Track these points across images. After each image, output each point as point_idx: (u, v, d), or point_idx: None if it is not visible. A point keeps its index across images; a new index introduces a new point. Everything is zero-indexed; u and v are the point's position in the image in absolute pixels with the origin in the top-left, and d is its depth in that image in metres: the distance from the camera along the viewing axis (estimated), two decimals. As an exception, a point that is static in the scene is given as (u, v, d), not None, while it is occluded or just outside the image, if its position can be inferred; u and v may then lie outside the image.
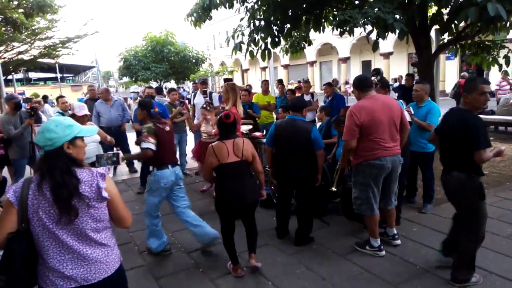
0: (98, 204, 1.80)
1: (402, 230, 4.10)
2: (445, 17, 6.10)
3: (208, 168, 3.36)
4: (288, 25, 7.16)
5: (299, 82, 22.01)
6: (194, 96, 7.26)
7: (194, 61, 21.95)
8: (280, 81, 9.68)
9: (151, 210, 3.83)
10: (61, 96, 6.99)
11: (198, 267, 3.66)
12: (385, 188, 3.61)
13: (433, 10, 6.90)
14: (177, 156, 6.39)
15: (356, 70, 30.14)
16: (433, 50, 7.18)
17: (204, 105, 5.69)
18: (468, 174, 2.92)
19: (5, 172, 5.58)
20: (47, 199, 1.71)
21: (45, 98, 16.66)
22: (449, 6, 5.58)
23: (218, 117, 3.45)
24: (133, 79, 21.83)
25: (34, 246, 1.75)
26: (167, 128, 3.86)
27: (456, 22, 6.00)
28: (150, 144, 3.57)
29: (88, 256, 1.80)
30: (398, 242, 3.81)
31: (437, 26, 6.79)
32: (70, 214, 1.71)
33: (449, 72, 21.99)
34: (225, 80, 11.94)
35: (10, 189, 1.75)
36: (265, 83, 8.24)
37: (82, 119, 4.27)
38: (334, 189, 4.44)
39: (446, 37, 7.37)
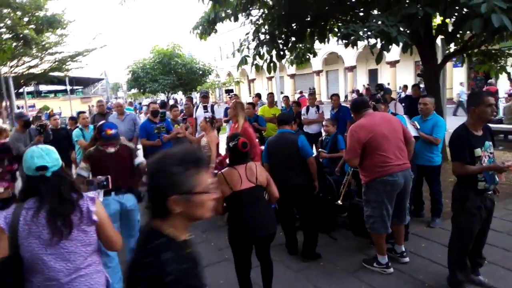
0: (87, 227, 1.85)
1: (410, 246, 4.04)
2: (450, 27, 6.09)
3: (220, 198, 2.90)
4: (293, 38, 7.22)
5: (300, 92, 22.05)
6: (197, 108, 7.31)
7: (201, 72, 22.15)
8: (286, 97, 10.10)
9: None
10: (82, 112, 7.12)
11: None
12: (398, 204, 3.57)
13: (437, 20, 6.90)
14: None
15: (362, 79, 30.09)
16: (439, 59, 7.15)
17: (207, 118, 5.59)
18: (458, 183, 3.12)
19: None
20: (39, 223, 1.75)
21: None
22: (454, 17, 5.57)
23: (232, 143, 3.04)
24: (141, 91, 22.08)
25: (23, 271, 1.79)
26: (111, 150, 3.48)
27: (461, 32, 5.99)
28: (81, 169, 3.41)
29: (74, 281, 1.82)
30: (407, 259, 3.76)
31: (442, 36, 6.79)
32: (64, 231, 1.76)
33: (457, 79, 21.81)
34: (227, 91, 12.03)
35: (1, 215, 1.78)
36: (270, 96, 8.27)
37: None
38: (340, 202, 4.42)
39: (452, 46, 7.35)
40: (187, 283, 1.23)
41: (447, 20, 6.22)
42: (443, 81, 7.84)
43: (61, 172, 1.90)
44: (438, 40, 7.44)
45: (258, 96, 10.12)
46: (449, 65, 16.95)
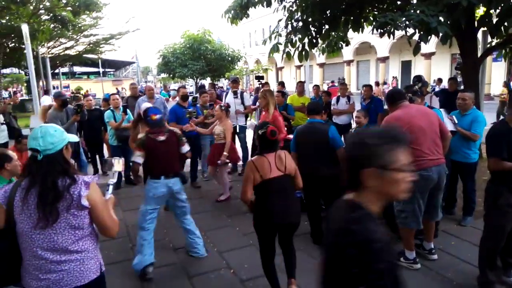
0: (77, 212, 1.82)
1: (440, 243, 3.96)
2: (494, 19, 5.78)
3: (249, 185, 2.97)
4: (327, 26, 7.07)
5: (331, 82, 21.64)
6: (226, 95, 7.32)
7: (229, 59, 22.13)
8: (316, 86, 9.85)
9: (141, 220, 3.71)
10: (113, 94, 7.23)
11: (229, 268, 3.72)
12: (431, 199, 3.50)
13: (480, 11, 6.56)
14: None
15: (395, 71, 29.24)
16: (479, 53, 6.84)
17: (223, 107, 5.64)
18: (492, 180, 3.07)
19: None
20: (30, 204, 1.77)
21: (46, 92, 17.50)
22: (499, 8, 5.29)
23: (261, 131, 3.04)
24: (171, 75, 22.34)
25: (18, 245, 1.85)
26: (161, 138, 3.69)
27: (506, 24, 5.68)
28: (137, 157, 3.66)
29: (62, 263, 1.83)
30: (435, 257, 3.68)
31: (484, 28, 6.46)
32: (50, 219, 1.75)
33: (495, 74, 20.84)
34: (257, 77, 11.88)
35: (3, 188, 1.86)
36: (300, 85, 8.18)
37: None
38: None
39: (494, 39, 7.00)
40: (389, 254, 1.25)
41: (492, 11, 5.91)
42: (482, 76, 7.50)
43: (56, 157, 1.84)
44: (479, 34, 7.10)
45: (282, 84, 9.87)
46: (488, 59, 16.21)
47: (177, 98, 6.83)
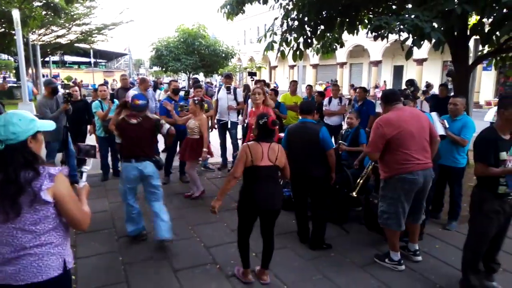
0: (40, 206, 1.73)
1: (424, 246, 4.01)
2: (487, 27, 5.87)
3: (241, 164, 3.15)
4: (322, 27, 7.09)
5: (327, 83, 21.79)
6: (219, 90, 7.29)
7: (223, 55, 22.05)
8: (309, 86, 9.84)
9: (123, 196, 4.06)
10: (101, 84, 7.06)
11: (215, 263, 3.71)
12: (415, 203, 3.53)
13: (473, 19, 6.65)
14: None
15: (387, 75, 29.52)
16: (470, 61, 6.93)
17: (196, 100, 5.48)
18: (477, 186, 3.10)
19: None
20: None
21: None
22: (492, 17, 5.37)
23: (261, 120, 3.19)
24: (163, 69, 22.16)
25: None
26: (133, 121, 3.92)
27: (498, 33, 5.77)
28: (117, 137, 3.92)
29: (20, 257, 1.75)
30: (419, 258, 3.73)
31: (476, 36, 6.55)
32: (10, 213, 1.67)
33: (485, 83, 21.19)
34: (250, 74, 11.79)
35: None
36: (293, 84, 8.19)
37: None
38: (354, 194, 4.40)
39: (485, 47, 7.10)
40: None
41: (484, 20, 6.00)
42: (472, 84, 7.61)
43: (19, 147, 1.73)
44: (471, 42, 7.19)
45: (264, 82, 9.58)
46: (478, 68, 16.45)
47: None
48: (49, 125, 1.95)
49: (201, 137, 5.38)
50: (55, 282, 1.81)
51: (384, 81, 27.94)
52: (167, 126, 4.16)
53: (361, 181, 4.45)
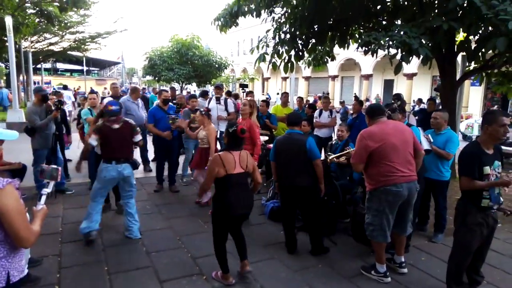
0: None
1: (410, 258, 4.04)
2: (473, 44, 6.02)
3: (213, 177, 3.31)
4: (313, 40, 7.21)
5: (315, 95, 21.98)
6: (210, 100, 7.33)
7: (217, 66, 22.15)
8: (300, 98, 10.05)
9: (92, 194, 4.27)
10: (92, 92, 7.04)
11: (202, 274, 3.68)
12: (401, 215, 3.57)
13: (460, 36, 6.83)
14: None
15: (377, 88, 29.91)
16: (458, 76, 7.09)
17: (202, 111, 5.65)
18: (462, 198, 3.16)
19: (26, 160, 5.73)
20: None
21: (65, 87, 17.15)
22: (478, 34, 5.52)
23: (231, 129, 3.38)
24: (156, 78, 22.17)
25: None
26: (115, 126, 4.20)
27: (483, 50, 5.93)
28: (92, 140, 4.16)
29: None
30: (405, 270, 3.76)
31: (463, 53, 6.71)
32: None
33: (473, 98, 21.59)
34: (241, 85, 11.95)
35: None
36: (285, 96, 8.28)
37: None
38: (331, 156, 4.92)
39: (472, 64, 7.28)
40: None
41: (471, 37, 6.16)
42: (460, 99, 7.77)
43: None
44: (459, 58, 7.36)
45: (251, 93, 9.56)
46: (466, 83, 16.78)
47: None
48: (12, 134, 1.93)
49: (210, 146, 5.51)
50: None
51: (377, 95, 28.28)
52: (139, 137, 4.49)
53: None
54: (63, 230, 4.65)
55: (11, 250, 1.80)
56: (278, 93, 29.62)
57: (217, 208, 3.38)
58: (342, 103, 17.69)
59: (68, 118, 7.70)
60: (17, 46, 16.51)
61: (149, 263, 3.88)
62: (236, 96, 9.23)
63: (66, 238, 4.43)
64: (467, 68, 7.69)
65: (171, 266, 3.83)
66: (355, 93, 28.61)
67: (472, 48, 6.05)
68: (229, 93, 7.57)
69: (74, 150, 8.23)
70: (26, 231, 1.77)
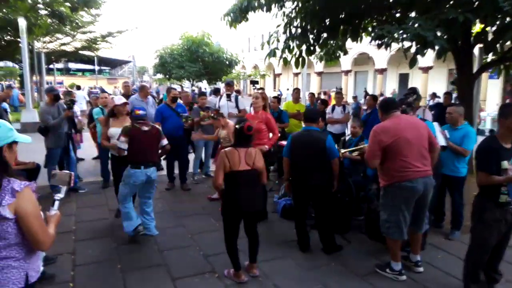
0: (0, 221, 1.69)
1: (426, 256, 3.94)
2: (490, 36, 5.85)
3: (221, 172, 3.30)
4: (325, 34, 7.10)
5: (328, 91, 21.76)
6: (220, 98, 7.28)
7: (227, 63, 22.17)
8: (311, 93, 9.93)
9: (121, 198, 4.22)
10: (103, 91, 7.13)
11: (214, 272, 3.66)
12: (417, 211, 3.49)
13: (477, 28, 6.64)
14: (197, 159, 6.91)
15: (392, 83, 29.45)
16: (475, 69, 6.90)
17: (213, 115, 5.60)
18: (479, 195, 3.08)
19: (39, 160, 5.79)
20: None
21: (78, 88, 17.36)
22: (495, 25, 5.35)
23: (238, 126, 3.38)
24: (167, 76, 22.30)
25: None
26: (145, 128, 4.12)
27: (501, 42, 5.74)
28: (121, 143, 4.09)
29: None
30: (421, 269, 3.66)
31: (480, 45, 6.53)
32: None
33: (491, 92, 21.05)
34: (252, 82, 11.94)
35: None
36: (296, 91, 8.18)
37: (122, 108, 4.71)
38: (343, 151, 4.84)
39: (490, 56, 7.08)
40: None
41: (488, 28, 5.98)
42: (477, 92, 7.56)
43: None
44: (476, 50, 7.16)
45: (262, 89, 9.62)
46: (484, 76, 16.38)
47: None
48: (26, 138, 1.94)
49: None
50: None
51: (394, 90, 27.79)
52: (166, 141, 4.42)
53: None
54: (76, 229, 4.68)
55: (29, 252, 1.82)
56: (288, 89, 29.56)
57: (224, 204, 3.44)
58: (354, 98, 17.45)
59: (80, 118, 7.75)
60: (30, 47, 16.75)
61: (161, 261, 3.88)
62: (238, 92, 9.20)
63: (79, 236, 4.46)
64: (484, 61, 7.48)
65: (183, 263, 3.82)
66: (365, 88, 28.25)
67: (489, 39, 5.88)
68: (229, 84, 7.50)
69: (86, 149, 8.34)
70: (44, 234, 1.79)
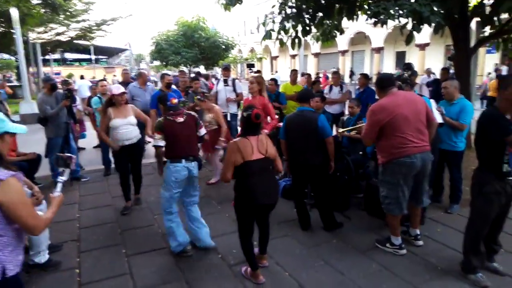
0: None
1: (426, 230, 4.01)
2: (487, 9, 5.78)
3: (231, 166, 3.05)
4: (320, 14, 7.01)
5: (324, 71, 21.58)
6: (218, 82, 7.26)
7: (224, 47, 21.90)
8: (308, 74, 9.74)
9: (164, 205, 3.68)
10: (102, 80, 7.16)
11: (217, 253, 3.73)
12: (416, 186, 3.53)
13: (473, 1, 6.55)
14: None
15: (389, 61, 29.24)
16: (472, 43, 6.84)
17: (199, 97, 5.54)
18: (479, 168, 3.09)
19: (40, 150, 5.82)
20: None
21: (82, 77, 17.25)
22: (492, -3, 5.30)
23: (245, 113, 3.11)
24: (164, 63, 22.09)
25: None
26: (180, 120, 3.65)
27: (499, 14, 5.68)
28: (158, 141, 3.63)
29: None
30: (420, 243, 3.73)
31: (478, 18, 6.46)
32: None
33: (489, 66, 20.91)
34: (248, 65, 11.84)
35: None
36: (294, 73, 8.13)
37: (121, 98, 4.56)
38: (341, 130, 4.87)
39: (487, 29, 7.01)
40: None
41: (485, 1, 5.90)
42: (474, 67, 7.53)
43: None
44: (473, 24, 7.09)
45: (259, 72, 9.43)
46: (482, 50, 16.22)
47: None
48: (20, 128, 1.94)
49: (220, 126, 5.43)
50: (4, 283, 1.76)
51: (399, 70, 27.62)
52: (204, 130, 3.98)
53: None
54: (80, 216, 4.75)
55: (7, 244, 1.80)
56: (277, 71, 29.16)
57: (238, 198, 3.15)
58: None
59: (79, 107, 7.78)
60: (24, 38, 16.58)
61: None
62: (207, 77, 9.10)
63: (83, 223, 4.53)
64: (482, 35, 7.41)
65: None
66: (351, 68, 28.01)
67: (487, 12, 5.82)
68: (199, 74, 7.48)
69: (89, 139, 8.37)
70: (33, 219, 1.81)
